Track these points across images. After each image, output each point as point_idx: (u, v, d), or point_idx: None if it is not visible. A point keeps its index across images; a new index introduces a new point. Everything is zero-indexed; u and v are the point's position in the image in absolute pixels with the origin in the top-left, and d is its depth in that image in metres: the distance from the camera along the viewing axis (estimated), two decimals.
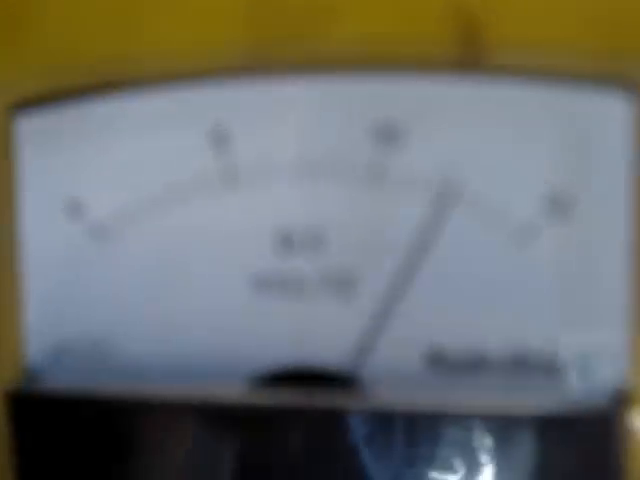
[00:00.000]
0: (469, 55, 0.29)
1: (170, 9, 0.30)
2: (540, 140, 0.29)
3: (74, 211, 0.31)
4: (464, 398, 0.28)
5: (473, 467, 0.28)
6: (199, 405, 0.29)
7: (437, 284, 0.29)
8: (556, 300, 0.29)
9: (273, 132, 0.30)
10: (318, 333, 0.30)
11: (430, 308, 0.29)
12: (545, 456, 0.28)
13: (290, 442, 0.29)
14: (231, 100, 0.30)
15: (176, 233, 0.30)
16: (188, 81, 0.30)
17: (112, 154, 0.30)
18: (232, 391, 0.29)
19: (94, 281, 0.31)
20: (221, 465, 0.29)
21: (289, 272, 0.30)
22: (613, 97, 0.28)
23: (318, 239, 0.30)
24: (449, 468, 0.28)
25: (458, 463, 0.28)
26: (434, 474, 0.28)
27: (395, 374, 0.29)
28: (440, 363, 0.30)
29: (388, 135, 0.29)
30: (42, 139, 0.31)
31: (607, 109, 0.28)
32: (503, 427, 0.28)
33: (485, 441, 0.28)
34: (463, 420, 0.28)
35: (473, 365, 0.29)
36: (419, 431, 0.28)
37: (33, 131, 0.31)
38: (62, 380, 0.31)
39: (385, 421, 0.29)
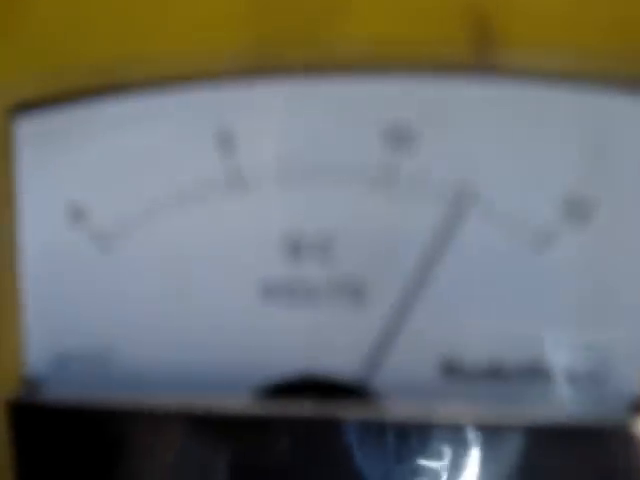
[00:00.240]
0: (483, 56, 0.28)
1: (175, 10, 0.29)
2: (557, 143, 0.28)
3: (76, 216, 0.30)
4: (480, 408, 0.28)
5: (490, 478, 0.28)
6: (202, 416, 0.28)
7: (451, 291, 0.29)
8: (574, 307, 0.28)
9: (281, 135, 0.29)
10: (328, 342, 0.29)
11: (444, 316, 0.29)
12: (563, 467, 0.27)
13: (298, 453, 0.28)
14: (238, 102, 0.29)
15: (181, 239, 0.29)
16: (194, 83, 0.29)
17: (115, 157, 0.30)
18: (237, 402, 0.29)
19: (96, 288, 0.30)
20: (226, 477, 0.29)
21: (298, 279, 0.29)
22: (633, 99, 0.27)
23: (328, 245, 0.29)
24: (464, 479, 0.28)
25: (473, 474, 0.28)
26: None
27: (409, 384, 0.29)
28: (455, 373, 0.29)
29: (400, 138, 0.28)
30: (43, 142, 0.30)
31: (627, 111, 0.28)
32: (519, 438, 0.27)
33: (501, 452, 0.27)
34: (478, 431, 0.27)
35: (489, 374, 0.29)
36: (431, 442, 0.28)
37: (33, 134, 0.30)
38: (63, 389, 0.30)
39: (396, 432, 0.28)
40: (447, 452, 0.28)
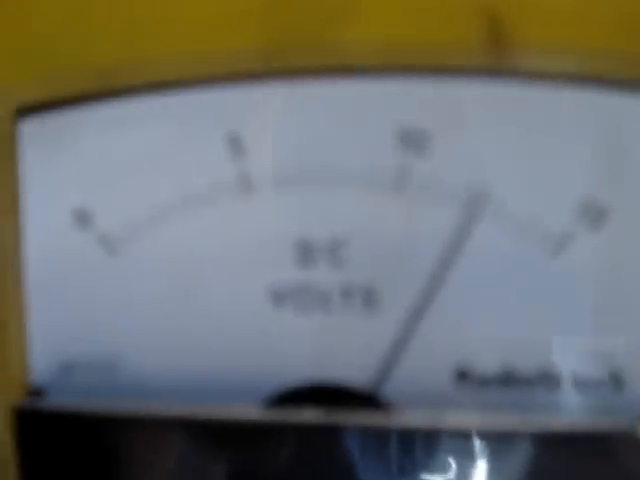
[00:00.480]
0: (496, 58, 0.28)
1: (184, 12, 0.28)
2: (571, 144, 0.28)
3: (81, 220, 0.29)
4: (490, 415, 0.27)
5: None
6: (208, 423, 0.28)
7: (464, 296, 0.28)
8: (587, 313, 0.28)
9: (292, 138, 0.28)
10: (339, 349, 0.29)
11: (457, 322, 0.28)
12: (575, 473, 0.27)
13: (306, 461, 0.28)
14: (248, 105, 0.28)
15: (189, 243, 0.29)
16: (203, 85, 0.28)
17: (121, 160, 0.29)
18: (243, 409, 0.28)
19: (102, 294, 0.30)
20: None
21: (309, 284, 0.29)
22: None
23: (339, 249, 0.28)
24: None
25: None
26: None
27: (420, 391, 0.28)
28: (468, 380, 0.28)
29: (412, 141, 0.28)
30: (47, 144, 0.29)
31: None
32: (531, 444, 0.27)
33: (513, 458, 0.27)
34: (492, 437, 0.27)
35: (502, 381, 0.28)
36: (443, 449, 0.27)
37: (38, 136, 0.29)
38: (68, 397, 0.30)
39: (408, 439, 0.27)
40: (457, 459, 0.27)
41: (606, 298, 0.28)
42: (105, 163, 0.29)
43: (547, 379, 0.28)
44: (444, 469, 0.27)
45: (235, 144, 0.28)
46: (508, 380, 0.28)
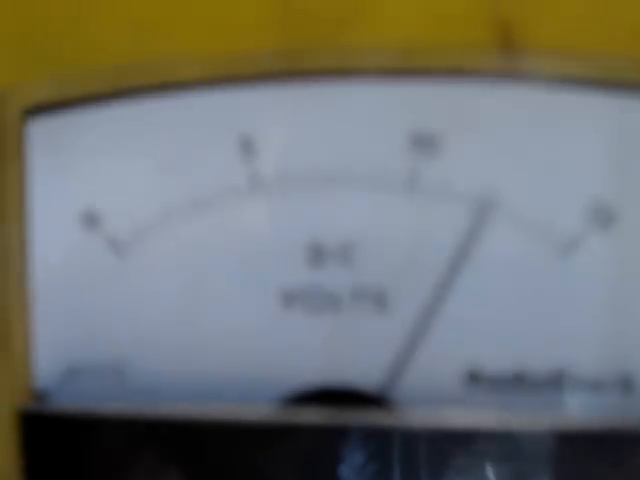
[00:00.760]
0: (507, 62, 0.28)
1: (196, 13, 0.28)
2: (583, 148, 0.28)
3: (90, 222, 0.29)
4: (500, 415, 0.27)
5: None
6: (214, 426, 0.28)
7: (475, 299, 0.28)
8: (598, 315, 0.28)
9: (303, 140, 0.28)
10: (350, 351, 0.29)
11: (468, 324, 0.28)
12: (587, 474, 0.27)
13: (314, 462, 0.27)
14: (260, 107, 0.28)
15: (199, 246, 0.29)
16: (215, 86, 0.28)
17: (131, 162, 0.29)
18: (253, 411, 0.28)
19: (110, 298, 0.29)
20: None
21: (320, 286, 0.29)
22: None
23: (350, 251, 0.28)
24: None
25: None
26: None
27: (431, 394, 0.28)
28: (479, 382, 0.28)
29: (424, 144, 0.28)
30: (56, 145, 0.29)
31: None
32: (544, 445, 0.27)
33: (526, 459, 0.27)
34: (502, 437, 0.27)
35: (513, 383, 0.28)
36: (455, 450, 0.27)
37: (47, 137, 0.29)
38: (74, 401, 0.29)
39: (419, 440, 0.27)
40: (468, 460, 0.27)
41: (616, 300, 0.28)
42: (115, 164, 0.29)
43: (558, 381, 0.28)
44: (457, 470, 0.27)
45: (247, 146, 0.28)
46: (519, 382, 0.28)
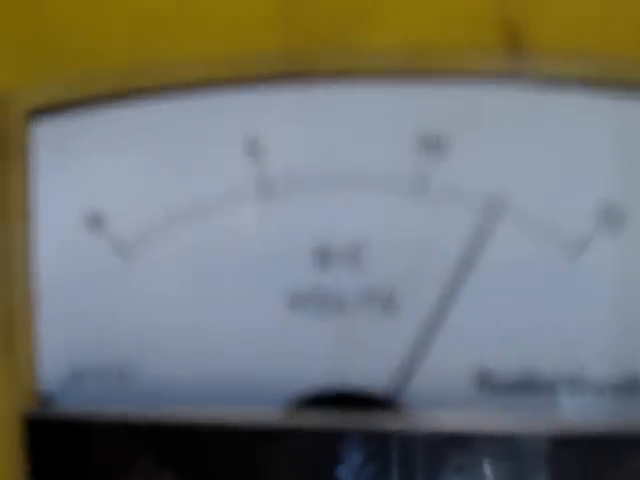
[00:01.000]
0: (515, 63, 0.28)
1: (202, 15, 0.28)
2: (590, 150, 0.28)
3: (94, 224, 0.29)
4: (512, 418, 0.27)
5: None
6: (220, 429, 0.27)
7: (484, 301, 0.28)
8: (608, 317, 0.28)
9: (310, 142, 0.28)
10: (358, 354, 0.28)
11: (477, 326, 0.28)
12: (599, 477, 0.27)
13: (326, 466, 0.27)
14: (267, 108, 0.28)
15: (205, 248, 0.29)
16: (222, 88, 0.28)
17: (136, 163, 0.29)
18: (258, 415, 0.28)
19: (115, 300, 0.29)
20: None
21: (327, 289, 0.28)
22: None
23: (358, 254, 0.28)
24: None
25: None
26: None
27: (440, 396, 0.28)
28: (489, 384, 0.28)
29: (431, 145, 0.28)
30: (61, 147, 0.29)
31: None
32: (554, 447, 0.27)
33: (536, 462, 0.27)
34: (511, 440, 0.27)
35: (523, 386, 0.28)
36: (462, 453, 0.27)
37: (51, 139, 0.29)
38: (79, 404, 0.29)
39: (427, 443, 0.27)
40: (478, 462, 0.27)
41: (625, 302, 0.28)
42: (119, 166, 0.29)
43: (567, 383, 0.28)
44: (464, 473, 0.27)
45: (253, 147, 0.28)
46: (528, 384, 0.28)
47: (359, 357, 0.28)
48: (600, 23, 0.27)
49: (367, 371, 0.28)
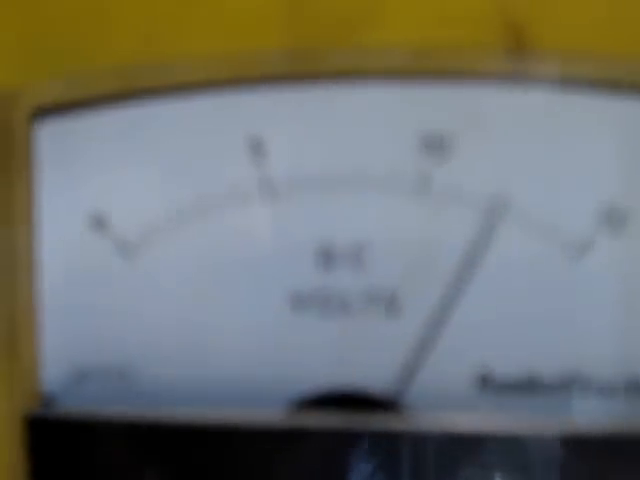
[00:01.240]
0: (518, 64, 0.28)
1: (206, 14, 0.28)
2: (593, 151, 0.28)
3: (98, 225, 0.29)
4: (515, 419, 0.27)
5: None
6: (222, 430, 0.27)
7: (486, 302, 0.28)
8: (610, 318, 0.28)
9: (314, 143, 0.28)
10: (361, 354, 0.28)
11: (479, 327, 0.28)
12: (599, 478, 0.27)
13: (325, 467, 0.27)
14: (270, 108, 0.28)
15: (208, 249, 0.29)
16: (225, 88, 0.28)
17: (140, 164, 0.29)
18: (260, 416, 0.28)
19: (117, 301, 0.29)
20: None
21: (330, 290, 0.28)
22: None
23: (361, 255, 0.28)
24: None
25: None
26: None
27: (442, 398, 0.28)
28: (491, 386, 0.28)
29: (434, 146, 0.28)
30: (65, 147, 0.29)
31: None
32: (555, 450, 0.27)
33: (538, 463, 0.27)
34: (513, 441, 0.27)
35: (525, 387, 0.28)
36: (466, 455, 0.27)
37: (55, 139, 0.29)
38: (82, 405, 0.29)
39: (430, 444, 0.27)
40: (479, 464, 0.27)
41: (629, 303, 0.28)
42: (123, 166, 0.29)
43: (570, 385, 0.28)
44: (468, 475, 0.27)
45: (256, 148, 0.28)
46: (531, 386, 0.28)
47: (362, 358, 0.28)
48: (604, 23, 0.27)
49: (370, 372, 0.28)
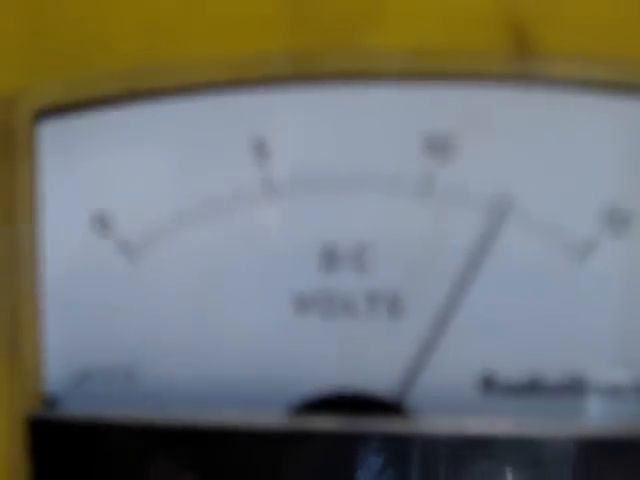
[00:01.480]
0: (521, 65, 0.28)
1: (209, 16, 0.28)
2: (597, 152, 0.28)
3: (100, 226, 0.29)
4: (519, 421, 0.27)
5: None
6: (226, 432, 0.27)
7: (490, 303, 0.28)
8: (614, 320, 0.28)
9: (317, 144, 0.28)
10: (364, 356, 0.28)
11: (483, 329, 0.28)
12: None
13: (332, 470, 0.27)
14: (273, 110, 0.28)
15: (212, 249, 0.29)
16: (228, 89, 0.28)
17: (143, 164, 0.29)
18: (264, 418, 0.27)
19: (121, 302, 0.29)
20: None
21: (333, 291, 0.28)
22: None
23: (364, 256, 0.28)
24: None
25: None
26: None
27: (446, 400, 0.28)
28: (494, 388, 0.28)
29: (438, 147, 0.28)
30: (67, 148, 0.29)
31: None
32: (562, 452, 0.27)
33: (544, 465, 0.27)
34: (518, 444, 0.27)
35: (529, 389, 0.28)
36: (472, 457, 0.27)
37: (58, 140, 0.29)
38: (84, 407, 0.29)
39: (433, 446, 0.27)
40: (484, 467, 0.27)
41: (632, 304, 0.28)
42: (126, 167, 0.29)
43: (573, 387, 0.28)
44: (474, 477, 0.27)
45: (260, 148, 0.28)
46: (534, 388, 0.28)
47: (365, 359, 0.28)
48: (607, 24, 0.27)
49: (372, 373, 0.28)
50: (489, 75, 0.28)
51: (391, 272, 0.28)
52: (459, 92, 0.28)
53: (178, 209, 0.29)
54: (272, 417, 0.27)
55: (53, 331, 0.29)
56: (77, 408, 0.29)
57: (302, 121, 0.28)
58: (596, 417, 0.28)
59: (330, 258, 0.28)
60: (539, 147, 0.28)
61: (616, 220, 0.28)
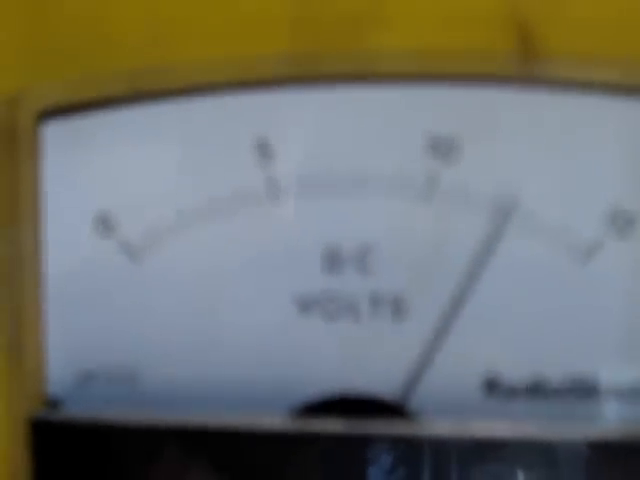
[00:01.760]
0: (526, 67, 0.28)
1: (212, 17, 0.28)
2: (601, 154, 0.28)
3: (104, 226, 0.29)
4: (522, 424, 0.27)
5: None
6: (229, 434, 0.27)
7: (493, 305, 0.28)
8: (618, 322, 0.28)
9: (321, 145, 0.28)
10: (367, 358, 0.28)
11: (486, 331, 0.28)
12: None
13: (329, 471, 0.27)
14: (276, 111, 0.28)
15: (214, 251, 0.28)
16: (232, 90, 0.28)
17: (146, 165, 0.29)
18: (266, 419, 0.27)
19: (123, 303, 0.29)
20: None
21: (337, 293, 0.28)
22: None
23: (367, 257, 0.28)
24: None
25: None
26: None
27: (449, 402, 0.28)
28: (497, 390, 0.28)
29: (442, 149, 0.28)
30: (70, 148, 0.29)
31: None
32: (564, 454, 0.27)
33: (548, 467, 0.27)
34: (522, 446, 0.26)
35: (532, 392, 0.28)
36: (472, 459, 0.27)
37: (61, 140, 0.29)
38: (86, 408, 0.29)
39: (436, 449, 0.27)
40: (486, 469, 0.27)
41: (636, 306, 0.28)
42: (129, 167, 0.29)
43: (577, 389, 0.28)
44: (476, 479, 0.27)
45: (263, 150, 0.28)
46: (537, 390, 0.28)
47: (368, 361, 0.28)
48: (611, 26, 0.27)
49: (376, 375, 0.28)
50: (493, 76, 0.28)
51: (394, 274, 0.28)
52: (463, 93, 0.28)
53: (181, 210, 0.28)
54: (275, 419, 0.27)
55: (55, 332, 0.29)
56: (79, 409, 0.29)
57: (305, 122, 0.28)
58: (600, 419, 0.28)
59: (333, 259, 0.28)
60: (544, 148, 0.28)
61: (620, 222, 0.28)
